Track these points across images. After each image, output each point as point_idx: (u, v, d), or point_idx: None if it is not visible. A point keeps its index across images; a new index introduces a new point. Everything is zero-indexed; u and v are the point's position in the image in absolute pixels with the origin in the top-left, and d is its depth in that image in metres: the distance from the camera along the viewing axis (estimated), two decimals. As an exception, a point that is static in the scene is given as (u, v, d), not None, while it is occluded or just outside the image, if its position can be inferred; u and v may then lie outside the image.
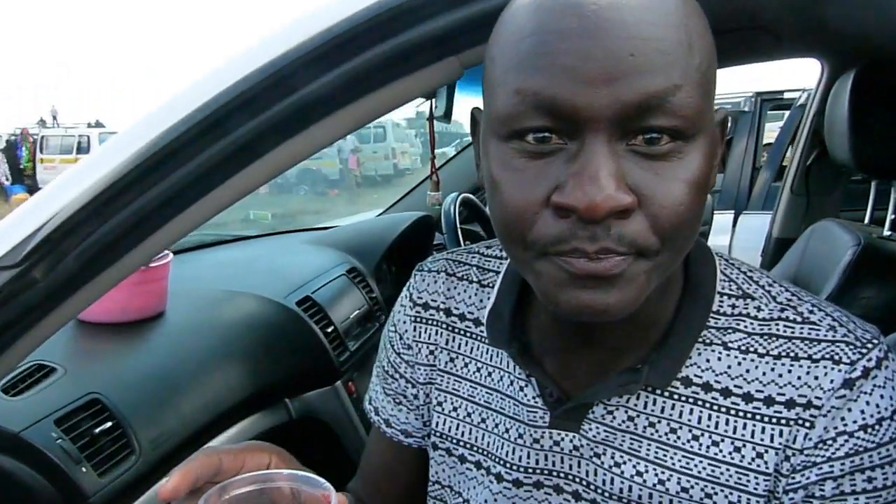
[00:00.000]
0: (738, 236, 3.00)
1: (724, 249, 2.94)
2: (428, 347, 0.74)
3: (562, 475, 0.64)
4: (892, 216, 1.57)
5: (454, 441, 0.71)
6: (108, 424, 1.00)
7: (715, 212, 3.10)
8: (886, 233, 1.53)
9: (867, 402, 0.55)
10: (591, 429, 0.62)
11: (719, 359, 0.59)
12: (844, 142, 1.50)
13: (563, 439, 0.63)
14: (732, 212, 3.12)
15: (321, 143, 0.75)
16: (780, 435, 0.56)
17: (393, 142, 23.67)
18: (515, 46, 0.49)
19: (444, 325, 0.73)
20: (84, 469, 0.93)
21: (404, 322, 0.75)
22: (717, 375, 0.59)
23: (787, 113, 3.54)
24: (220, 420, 1.19)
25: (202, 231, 2.13)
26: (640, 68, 0.46)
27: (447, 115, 1.40)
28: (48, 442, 0.91)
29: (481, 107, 0.58)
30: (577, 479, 0.63)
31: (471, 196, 2.09)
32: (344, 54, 0.68)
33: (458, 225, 1.84)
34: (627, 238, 0.48)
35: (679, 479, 0.59)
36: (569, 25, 0.47)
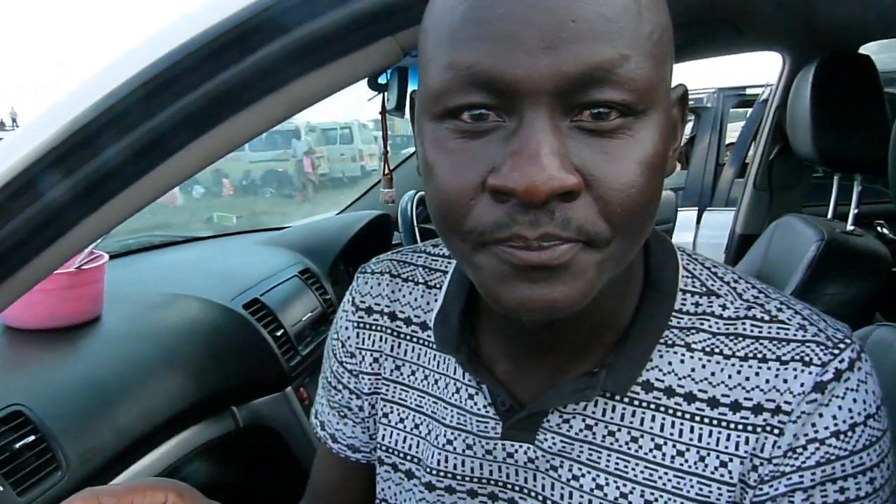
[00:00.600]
0: (702, 233, 3.00)
1: (689, 246, 2.94)
2: (372, 355, 0.68)
3: (517, 489, 0.59)
4: (855, 211, 1.56)
5: (401, 455, 0.66)
6: (32, 438, 0.93)
7: (679, 209, 3.10)
8: (849, 227, 1.51)
9: (839, 407, 0.50)
10: (546, 439, 0.57)
11: (682, 361, 0.54)
12: (806, 135, 1.48)
13: (516, 451, 0.58)
14: (696, 209, 3.14)
15: (249, 133, 0.69)
16: (747, 443, 0.52)
17: (360, 143, 23.63)
18: (448, 15, 0.44)
19: (389, 331, 0.68)
20: (1, 487, 0.86)
21: (346, 328, 0.70)
22: (680, 379, 0.54)
23: (749, 111, 3.56)
24: (158, 431, 1.12)
25: (151, 233, 2.05)
26: (583, 35, 0.41)
27: (399, 108, 1.34)
28: None
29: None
30: (533, 494, 0.58)
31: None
32: (267, 34, 0.62)
33: (416, 224, 1.79)
34: (574, 223, 0.43)
35: (643, 491, 0.54)
36: None
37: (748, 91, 3.60)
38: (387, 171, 1.47)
